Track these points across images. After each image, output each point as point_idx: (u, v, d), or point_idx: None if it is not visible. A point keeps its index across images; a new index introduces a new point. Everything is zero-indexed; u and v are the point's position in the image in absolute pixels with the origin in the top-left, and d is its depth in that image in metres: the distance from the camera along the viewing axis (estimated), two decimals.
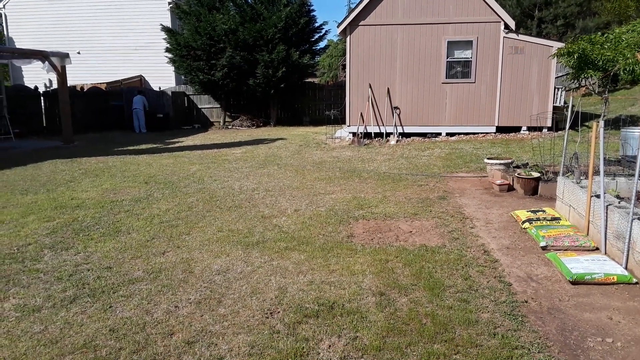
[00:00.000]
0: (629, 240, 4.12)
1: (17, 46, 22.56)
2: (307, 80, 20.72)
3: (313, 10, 19.28)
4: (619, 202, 4.66)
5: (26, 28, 23.43)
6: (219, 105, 20.53)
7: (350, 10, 13.96)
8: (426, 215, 6.17)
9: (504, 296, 3.84)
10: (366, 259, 4.67)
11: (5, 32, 23.84)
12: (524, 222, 5.49)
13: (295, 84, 19.10)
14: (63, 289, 4.09)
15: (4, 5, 23.53)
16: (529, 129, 13.25)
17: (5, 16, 23.77)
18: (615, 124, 11.52)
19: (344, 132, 14.44)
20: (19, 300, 3.90)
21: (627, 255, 4.16)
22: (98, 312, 3.68)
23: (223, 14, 18.19)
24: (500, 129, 13.56)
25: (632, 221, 4.09)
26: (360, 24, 13.50)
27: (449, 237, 5.26)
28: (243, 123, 19.64)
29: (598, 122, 4.80)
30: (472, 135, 13.52)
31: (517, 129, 13.50)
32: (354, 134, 13.75)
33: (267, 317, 3.56)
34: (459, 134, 13.69)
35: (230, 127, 19.65)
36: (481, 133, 13.60)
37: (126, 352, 3.13)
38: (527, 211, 5.81)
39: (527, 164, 8.18)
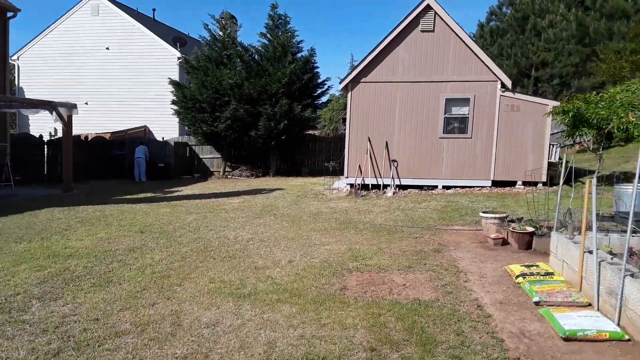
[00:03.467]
0: (621, 296, 4.09)
1: (27, 96, 23.23)
2: (307, 132, 21.12)
3: (317, 67, 19.95)
4: (612, 259, 4.64)
5: (37, 78, 24.24)
6: (219, 156, 20.81)
7: (353, 68, 14.44)
8: (420, 268, 6.13)
9: (496, 352, 3.77)
10: (358, 312, 4.61)
11: (16, 82, 24.59)
12: (517, 276, 5.45)
13: (296, 136, 19.47)
14: (48, 342, 4.02)
15: (18, 57, 24.41)
16: (524, 183, 13.36)
17: (18, 67, 24.65)
18: (609, 180, 11.61)
19: (341, 184, 14.56)
20: (1, 353, 3.83)
21: (620, 311, 4.11)
22: None
23: (230, 69, 18.81)
24: (496, 183, 13.67)
25: (624, 278, 4.07)
26: (361, 80, 13.93)
27: (443, 291, 5.21)
28: (242, 173, 19.83)
29: (591, 179, 4.87)
30: (468, 189, 13.61)
31: (512, 184, 13.61)
32: (351, 185, 13.86)
33: None
34: (456, 187, 13.78)
35: (229, 176, 19.83)
36: (477, 187, 13.70)
37: None
38: (521, 266, 5.78)
39: (522, 218, 8.19)
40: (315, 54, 19.55)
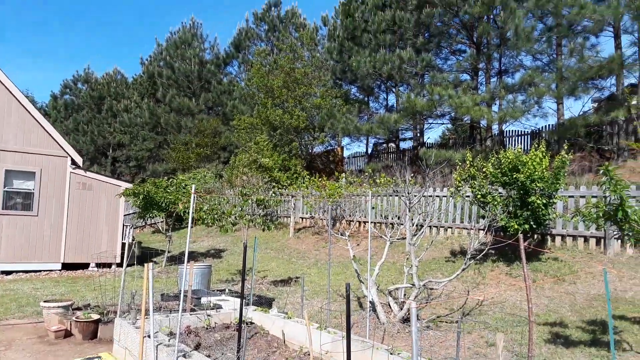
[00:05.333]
0: None
1: None
2: None
3: None
4: (169, 340, 4.92)
5: None
6: None
7: None
8: None
9: None
10: None
11: None
12: None
13: None
14: None
15: None
16: (98, 265, 12.97)
17: None
18: (179, 259, 12.78)
19: None
20: None
21: None
22: None
23: None
24: (67, 266, 12.69)
25: (177, 358, 4.34)
26: None
27: None
28: None
29: (150, 262, 5.11)
30: (34, 273, 12.07)
31: (85, 266, 12.97)
32: None
33: None
34: (18, 271, 11.98)
35: None
36: (45, 270, 12.34)
37: None
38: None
39: (90, 304, 7.80)
40: None
